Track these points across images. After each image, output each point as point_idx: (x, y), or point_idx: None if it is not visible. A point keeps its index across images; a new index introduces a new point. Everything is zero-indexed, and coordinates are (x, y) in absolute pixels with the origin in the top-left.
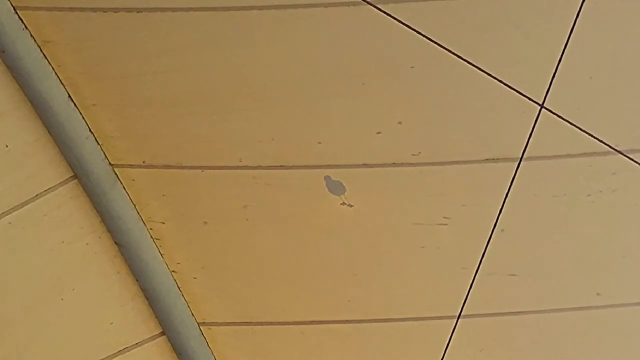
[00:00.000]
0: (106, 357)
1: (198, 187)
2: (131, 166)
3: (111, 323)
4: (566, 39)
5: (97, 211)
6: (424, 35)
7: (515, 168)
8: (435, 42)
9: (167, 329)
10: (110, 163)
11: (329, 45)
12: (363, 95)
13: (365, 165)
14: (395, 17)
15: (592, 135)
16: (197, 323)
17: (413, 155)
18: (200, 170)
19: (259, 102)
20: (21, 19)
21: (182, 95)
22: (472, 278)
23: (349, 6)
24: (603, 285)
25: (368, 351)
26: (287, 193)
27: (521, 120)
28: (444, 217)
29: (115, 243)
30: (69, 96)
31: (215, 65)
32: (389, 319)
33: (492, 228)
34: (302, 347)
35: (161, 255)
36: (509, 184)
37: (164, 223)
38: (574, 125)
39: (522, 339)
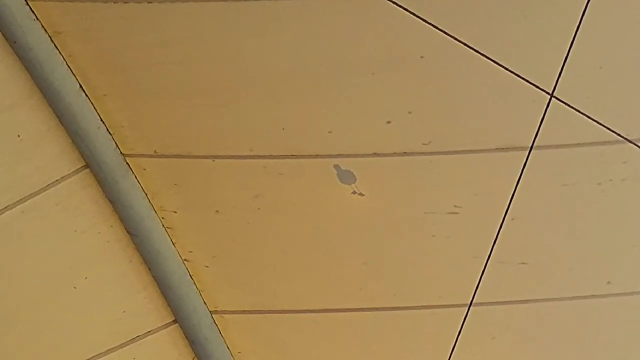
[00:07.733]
0: (118, 345)
1: (209, 177)
2: (142, 156)
3: (123, 311)
4: (576, 28)
5: (109, 200)
6: (433, 25)
7: (526, 157)
8: (445, 32)
9: (179, 317)
10: (121, 153)
11: (339, 35)
12: (373, 84)
13: (375, 154)
14: (405, 7)
15: (602, 125)
16: (209, 311)
17: (423, 144)
18: (212, 160)
19: (269, 91)
20: (32, 10)
21: (193, 85)
22: (483, 266)
23: None
24: (613, 274)
25: (379, 339)
26: (298, 182)
27: (531, 110)
28: (455, 206)
29: (127, 232)
30: (80, 86)
31: (226, 56)
32: (400, 307)
33: (502, 217)
34: (313, 335)
35: (173, 244)
36: (520, 172)
37: (175, 212)
38: (584, 115)
39: (533, 327)
